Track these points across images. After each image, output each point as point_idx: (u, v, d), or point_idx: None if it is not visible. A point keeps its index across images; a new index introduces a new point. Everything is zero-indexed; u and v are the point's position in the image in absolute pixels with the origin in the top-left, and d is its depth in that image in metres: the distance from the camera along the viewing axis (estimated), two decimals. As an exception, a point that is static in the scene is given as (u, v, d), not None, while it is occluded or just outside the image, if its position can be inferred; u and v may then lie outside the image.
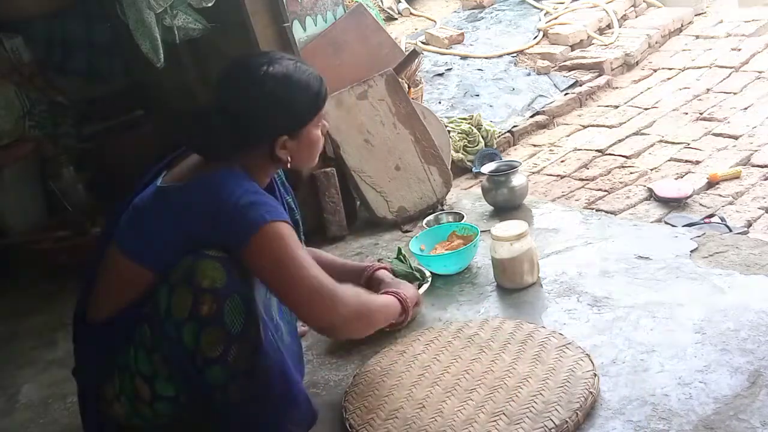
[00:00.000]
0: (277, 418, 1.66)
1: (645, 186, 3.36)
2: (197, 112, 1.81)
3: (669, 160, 3.63)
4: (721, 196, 3.17)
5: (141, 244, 1.63)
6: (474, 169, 3.86)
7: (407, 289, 2.06)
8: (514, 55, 5.19)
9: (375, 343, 2.10)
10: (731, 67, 4.58)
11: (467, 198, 3.14)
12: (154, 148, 2.16)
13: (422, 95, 3.80)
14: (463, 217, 2.76)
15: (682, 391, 1.67)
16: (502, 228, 2.29)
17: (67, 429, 2.14)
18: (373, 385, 1.89)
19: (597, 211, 3.11)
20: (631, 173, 3.56)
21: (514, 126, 4.36)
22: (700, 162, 3.52)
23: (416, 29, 5.98)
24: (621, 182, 3.49)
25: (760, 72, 4.44)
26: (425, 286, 2.29)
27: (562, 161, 3.89)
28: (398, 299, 1.96)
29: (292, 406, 1.67)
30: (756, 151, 3.49)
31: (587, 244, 2.47)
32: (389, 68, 3.16)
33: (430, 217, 2.80)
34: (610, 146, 3.93)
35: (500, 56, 5.19)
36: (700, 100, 4.28)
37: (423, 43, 5.50)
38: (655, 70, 4.92)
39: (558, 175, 3.73)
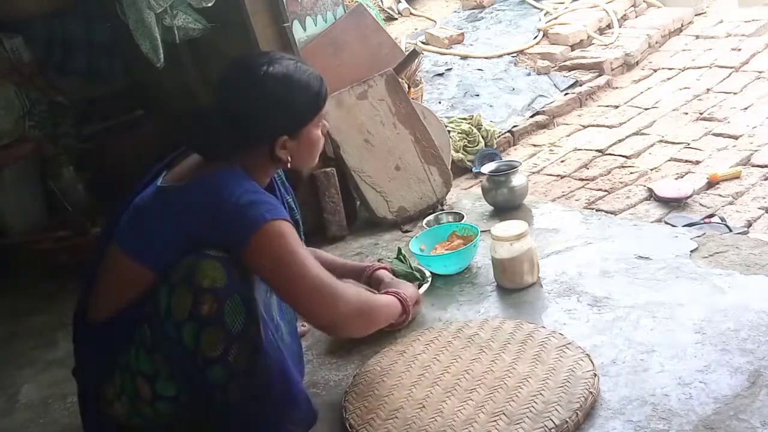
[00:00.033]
0: (277, 417, 1.66)
1: (645, 186, 3.36)
2: (197, 112, 1.81)
3: (669, 160, 3.63)
4: (721, 196, 3.17)
5: (141, 244, 1.63)
6: (474, 169, 3.86)
7: (407, 289, 2.06)
8: (514, 55, 5.19)
9: (375, 343, 2.10)
10: (731, 67, 4.58)
11: (467, 198, 3.14)
12: (154, 148, 2.16)
13: (422, 95, 3.80)
14: (463, 217, 2.76)
15: (682, 391, 1.67)
16: (502, 228, 2.29)
17: (67, 429, 2.14)
18: (373, 385, 1.89)
19: (597, 211, 3.11)
20: (631, 173, 3.56)
21: (514, 126, 4.36)
22: (700, 162, 3.52)
23: (416, 29, 5.98)
24: (621, 182, 3.49)
25: (760, 72, 4.44)
26: (425, 286, 2.29)
27: (562, 161, 3.89)
28: (399, 299, 1.96)
29: (292, 405, 1.67)
30: (756, 151, 3.49)
31: (587, 244, 2.47)
32: (389, 68, 3.16)
33: (430, 217, 2.80)
34: (610, 146, 3.93)
35: (500, 56, 5.19)
36: (700, 100, 4.28)
37: (423, 43, 5.50)
38: (655, 70, 4.92)
39: (558, 175, 3.73)
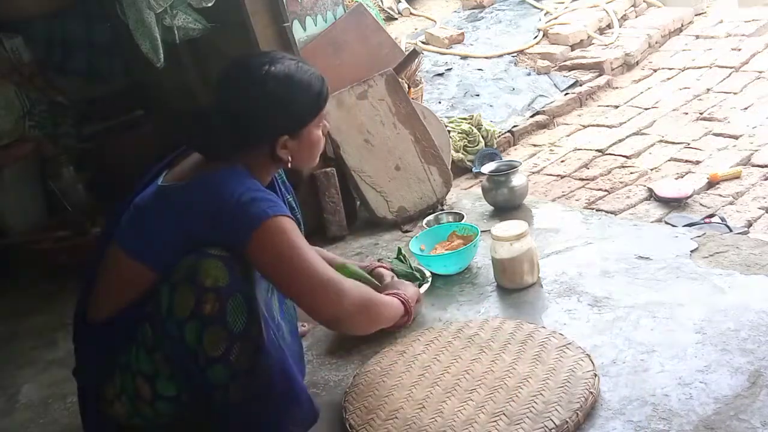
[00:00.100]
0: (278, 417, 1.66)
1: (645, 186, 3.36)
2: (198, 112, 1.81)
3: (669, 160, 3.63)
4: (721, 196, 3.17)
5: (142, 243, 1.63)
6: (474, 169, 3.86)
7: (408, 289, 2.06)
8: (514, 55, 5.19)
9: (375, 343, 2.10)
10: (731, 67, 4.58)
11: (467, 198, 3.14)
12: (154, 148, 2.16)
13: (422, 95, 3.80)
14: (463, 217, 2.76)
15: (683, 391, 1.67)
16: (502, 228, 2.29)
17: (67, 429, 2.14)
18: (373, 385, 1.89)
19: (597, 211, 3.11)
20: (631, 173, 3.56)
21: (514, 126, 4.36)
22: (700, 162, 3.52)
23: (416, 29, 5.98)
24: (621, 182, 3.49)
25: (760, 72, 4.44)
26: (425, 286, 2.29)
27: (562, 161, 3.89)
28: (401, 300, 1.96)
29: (293, 404, 1.67)
30: (756, 151, 3.49)
31: (587, 244, 2.47)
32: (389, 68, 3.16)
33: (430, 217, 2.80)
34: (610, 146, 3.93)
35: (500, 56, 5.19)
36: (700, 100, 4.28)
37: (423, 43, 5.50)
38: (655, 70, 4.92)
39: (558, 175, 3.73)
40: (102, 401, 1.68)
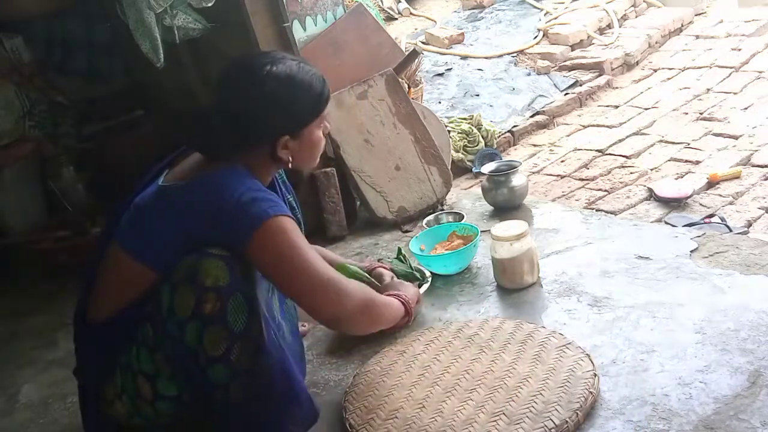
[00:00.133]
0: (279, 416, 1.66)
1: (645, 186, 3.36)
2: (198, 112, 1.81)
3: (669, 160, 3.63)
4: (721, 196, 3.17)
5: (142, 243, 1.63)
6: (474, 169, 3.86)
7: (408, 290, 2.06)
8: (514, 55, 5.19)
9: (375, 343, 2.10)
10: (731, 67, 4.58)
11: (467, 198, 3.14)
12: (154, 148, 2.16)
13: (422, 95, 3.80)
14: (463, 217, 2.76)
15: (682, 391, 1.67)
16: (502, 228, 2.29)
17: (67, 429, 2.14)
18: (373, 385, 1.90)
19: (597, 211, 3.11)
20: (631, 173, 3.56)
21: (514, 126, 4.36)
22: (700, 162, 3.52)
23: (416, 29, 5.98)
24: (621, 182, 3.49)
25: (760, 72, 4.44)
26: (425, 286, 2.29)
27: (562, 161, 3.89)
28: (401, 302, 1.96)
29: (293, 404, 1.67)
30: (756, 151, 3.49)
31: (587, 244, 2.47)
32: (389, 68, 3.16)
33: (430, 217, 2.80)
34: (610, 146, 3.93)
35: (500, 56, 5.19)
36: (700, 100, 4.28)
37: (423, 43, 5.50)
38: (655, 70, 4.92)
39: (558, 175, 3.73)
40: (102, 401, 1.68)
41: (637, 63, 5.05)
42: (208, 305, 1.53)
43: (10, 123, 3.46)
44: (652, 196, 3.25)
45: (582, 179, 3.63)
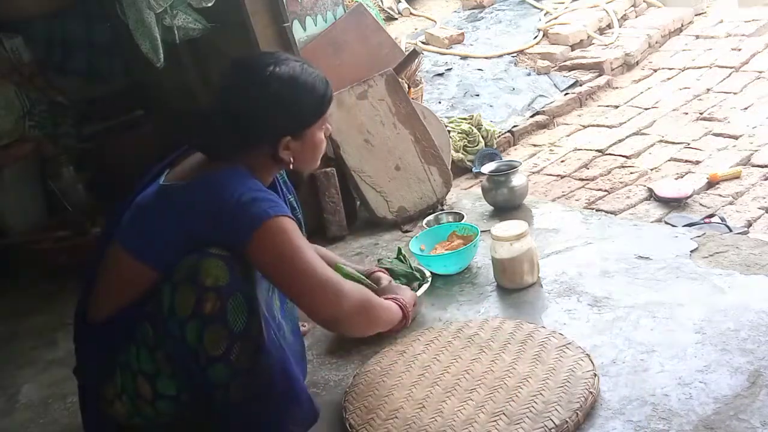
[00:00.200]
0: (279, 416, 1.66)
1: (645, 186, 3.36)
2: (200, 112, 1.81)
3: (669, 160, 3.63)
4: (721, 196, 3.17)
5: (143, 243, 1.63)
6: (474, 169, 3.86)
7: (405, 294, 2.05)
8: (514, 55, 5.19)
9: (375, 343, 2.10)
10: (731, 67, 4.58)
11: (467, 198, 3.14)
12: (154, 148, 2.16)
13: (422, 95, 3.80)
14: (463, 217, 2.76)
15: (682, 391, 1.67)
16: (502, 228, 2.29)
17: (67, 429, 2.15)
18: (373, 385, 1.90)
19: (597, 211, 3.11)
20: (631, 173, 3.56)
21: (514, 126, 4.36)
22: (700, 162, 3.52)
23: (416, 29, 5.98)
24: (621, 182, 3.49)
25: (760, 72, 4.44)
26: (425, 286, 2.29)
27: (562, 161, 3.89)
28: (399, 305, 1.96)
29: (294, 404, 1.68)
30: (756, 151, 3.49)
31: (587, 244, 2.47)
32: (389, 68, 3.16)
33: (430, 217, 2.80)
34: (610, 146, 3.92)
35: (500, 56, 5.19)
36: (700, 100, 4.28)
37: (423, 43, 5.50)
38: (655, 70, 4.92)
39: (558, 175, 3.73)
40: (102, 401, 1.68)
41: (637, 63, 5.05)
42: (208, 305, 1.53)
43: (10, 123, 3.46)
44: (652, 196, 3.25)
45: (582, 179, 3.63)
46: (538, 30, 5.41)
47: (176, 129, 1.78)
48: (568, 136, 4.22)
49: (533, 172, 3.82)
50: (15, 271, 3.39)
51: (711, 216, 2.97)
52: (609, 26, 5.42)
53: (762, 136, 3.61)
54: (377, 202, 2.98)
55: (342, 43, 3.17)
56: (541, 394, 1.71)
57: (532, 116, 4.48)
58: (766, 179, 3.23)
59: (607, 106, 4.53)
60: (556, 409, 1.65)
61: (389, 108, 3.09)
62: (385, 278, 2.16)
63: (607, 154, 3.85)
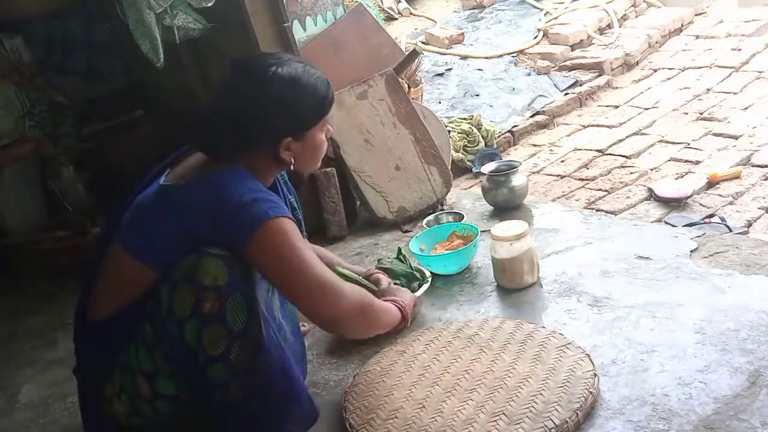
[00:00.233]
0: (278, 416, 1.66)
1: (645, 186, 3.36)
2: (202, 111, 1.81)
3: (669, 160, 3.63)
4: (721, 196, 3.17)
5: (143, 242, 1.63)
6: (474, 169, 3.86)
7: (405, 296, 2.04)
8: (514, 55, 5.19)
9: (375, 343, 2.10)
10: (731, 67, 4.58)
11: (467, 198, 3.14)
12: (154, 148, 2.16)
13: (422, 95, 3.80)
14: (463, 217, 2.76)
15: (682, 391, 1.67)
16: (502, 228, 2.29)
17: (67, 429, 2.15)
18: (373, 385, 1.90)
19: (597, 211, 3.11)
20: (631, 173, 3.56)
21: (514, 126, 4.36)
22: (700, 162, 3.52)
23: (416, 29, 5.98)
24: (621, 182, 3.49)
25: (760, 72, 4.44)
26: (425, 286, 2.29)
27: (562, 161, 3.89)
28: (398, 307, 1.95)
29: (293, 404, 1.67)
30: (756, 151, 3.49)
31: (587, 244, 2.47)
32: (389, 68, 3.17)
33: (430, 217, 2.80)
34: (610, 146, 3.92)
35: (500, 56, 5.19)
36: (700, 100, 4.28)
37: (423, 43, 5.50)
38: (655, 70, 4.92)
39: (558, 175, 3.73)
40: (102, 400, 1.68)
41: (637, 63, 5.05)
42: (207, 304, 1.53)
43: (10, 123, 3.46)
44: (652, 196, 3.25)
45: (582, 179, 3.63)
46: (538, 30, 5.41)
47: (177, 128, 1.77)
48: (568, 136, 4.22)
49: (533, 172, 3.82)
50: (15, 271, 3.39)
51: (711, 216, 2.97)
52: (609, 26, 5.42)
53: (762, 136, 3.61)
54: (377, 202, 2.98)
55: (342, 43, 3.17)
56: (541, 394, 1.71)
57: (532, 116, 4.48)
58: (766, 179, 3.23)
59: (607, 106, 4.53)
60: (556, 409, 1.65)
61: (389, 108, 3.09)
62: (385, 279, 2.15)
63: (607, 154, 3.85)
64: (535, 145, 4.20)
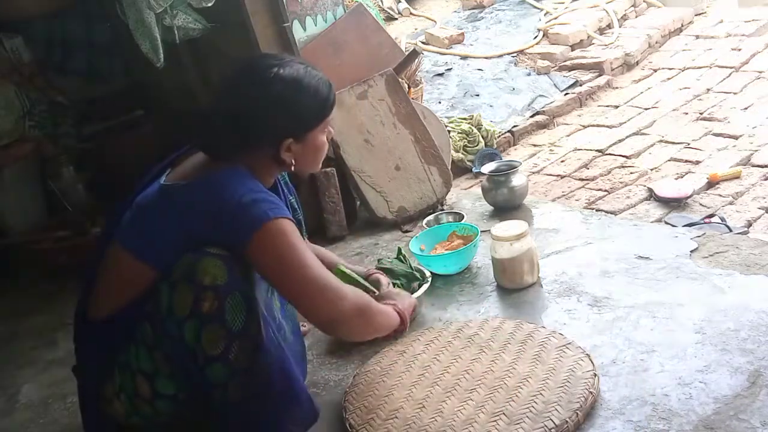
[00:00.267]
0: (278, 416, 1.66)
1: (645, 186, 3.36)
2: (204, 111, 1.81)
3: (669, 160, 3.63)
4: (721, 196, 3.17)
5: (143, 242, 1.63)
6: (474, 169, 3.86)
7: (404, 300, 2.02)
8: (514, 55, 5.19)
9: (375, 343, 2.09)
10: (731, 67, 4.58)
11: (467, 198, 3.14)
12: (154, 148, 2.16)
13: (422, 95, 3.80)
14: (463, 217, 2.76)
15: (682, 391, 1.67)
16: (502, 228, 2.29)
17: (67, 429, 2.15)
18: (373, 385, 1.90)
19: (597, 211, 3.11)
20: (631, 173, 3.56)
21: (514, 126, 4.36)
22: (700, 162, 3.52)
23: (416, 29, 5.98)
24: (621, 182, 3.49)
25: (760, 72, 4.44)
26: (425, 286, 2.29)
27: (562, 161, 3.89)
28: (397, 311, 1.94)
29: (293, 403, 1.67)
30: (756, 151, 3.49)
31: (587, 244, 2.47)
32: (389, 68, 3.17)
33: (430, 217, 2.80)
34: (610, 146, 3.92)
35: (500, 56, 5.19)
36: (700, 100, 4.28)
37: (423, 43, 5.50)
38: (655, 70, 4.92)
39: (558, 175, 3.73)
40: (102, 400, 1.68)
41: (637, 63, 5.05)
42: (206, 304, 1.53)
43: (10, 123, 3.46)
44: (652, 196, 3.25)
45: (582, 179, 3.63)
46: (538, 30, 5.41)
47: (177, 128, 1.77)
48: (568, 136, 4.22)
49: (533, 172, 3.82)
50: (15, 271, 3.39)
51: (711, 216, 2.97)
52: (609, 26, 5.42)
53: (762, 136, 3.61)
54: (377, 202, 2.98)
55: (342, 43, 3.17)
56: (541, 394, 1.71)
57: (532, 116, 4.48)
58: (766, 179, 3.23)
59: (607, 106, 4.53)
60: (556, 409, 1.65)
61: (389, 108, 3.09)
62: (385, 281, 2.14)
63: (607, 154, 3.85)
64: (535, 145, 4.20)
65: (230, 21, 2.87)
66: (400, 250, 2.51)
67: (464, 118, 4.11)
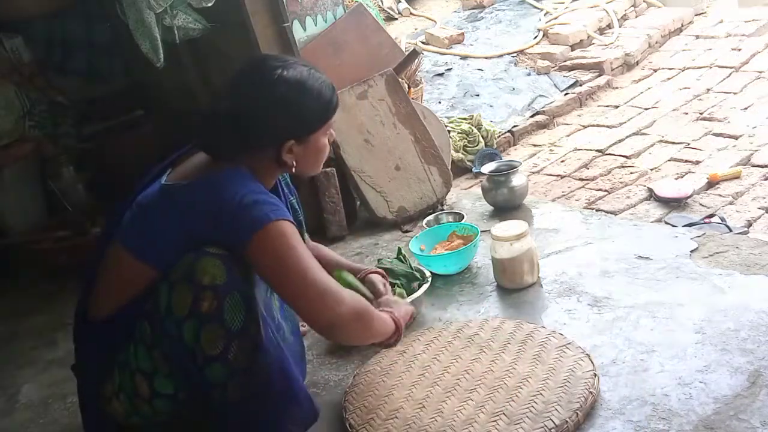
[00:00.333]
0: (277, 415, 1.66)
1: (645, 186, 3.36)
2: (206, 111, 1.81)
3: (669, 160, 3.63)
4: (721, 196, 3.17)
5: (144, 242, 1.63)
6: (474, 169, 3.86)
7: (400, 309, 2.00)
8: (514, 55, 5.19)
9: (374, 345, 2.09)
10: (731, 67, 4.58)
11: (467, 198, 3.14)
12: (154, 148, 2.16)
13: (422, 95, 3.80)
14: (463, 217, 2.76)
15: (682, 391, 1.67)
16: (502, 228, 2.29)
17: (67, 429, 2.15)
18: (373, 385, 1.90)
19: (597, 211, 3.11)
20: (631, 173, 3.56)
21: (514, 126, 4.36)
22: (700, 162, 3.52)
23: (416, 29, 5.98)
24: (621, 182, 3.49)
25: (760, 72, 4.44)
26: (425, 286, 2.29)
27: (562, 161, 3.89)
28: (392, 319, 1.94)
29: (292, 403, 1.67)
30: (756, 151, 3.49)
31: (587, 244, 2.47)
32: (389, 68, 3.17)
33: (430, 217, 2.80)
34: (610, 146, 3.92)
35: (500, 56, 5.19)
36: (700, 100, 4.28)
37: (423, 43, 5.50)
38: (655, 70, 4.92)
39: (558, 175, 3.73)
40: (101, 399, 1.68)
41: (637, 63, 5.05)
42: (205, 303, 1.53)
43: (10, 123, 3.46)
44: (652, 196, 3.25)
45: (582, 179, 3.63)
46: (538, 30, 5.41)
47: (177, 128, 1.78)
48: (568, 136, 4.22)
49: (533, 172, 3.82)
50: (15, 271, 3.39)
51: (711, 216, 2.97)
52: (609, 26, 5.42)
53: (762, 136, 3.61)
54: (377, 202, 2.98)
55: (342, 43, 3.17)
56: (541, 394, 1.71)
57: (532, 116, 4.48)
58: (766, 179, 3.23)
59: (607, 106, 4.53)
60: (556, 409, 1.65)
61: (389, 108, 3.09)
62: (380, 282, 2.12)
63: (607, 154, 3.85)
64: (535, 145, 4.20)
65: (230, 21, 2.87)
66: (400, 250, 2.51)
67: (464, 118, 4.11)
